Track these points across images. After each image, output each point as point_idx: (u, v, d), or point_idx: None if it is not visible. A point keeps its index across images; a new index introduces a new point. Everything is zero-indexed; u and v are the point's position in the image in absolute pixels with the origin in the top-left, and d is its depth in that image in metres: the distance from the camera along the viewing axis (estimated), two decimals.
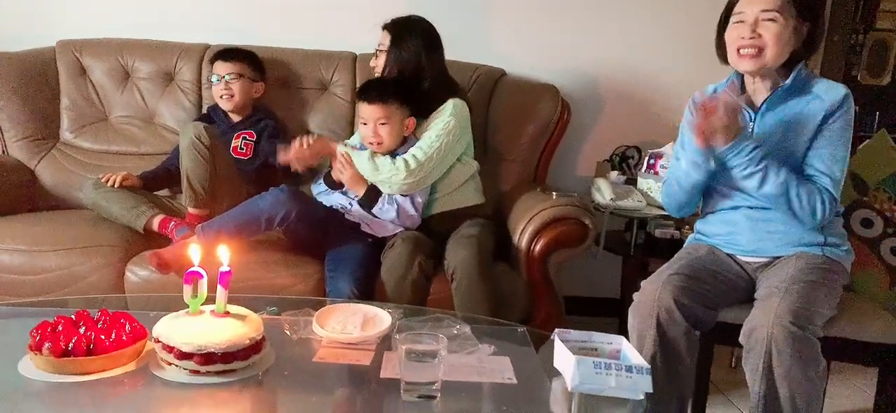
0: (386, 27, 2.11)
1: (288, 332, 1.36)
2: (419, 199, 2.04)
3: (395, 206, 2.00)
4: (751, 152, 1.48)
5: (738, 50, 1.55)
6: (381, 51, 2.11)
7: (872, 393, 1.64)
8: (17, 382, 1.12)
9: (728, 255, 1.65)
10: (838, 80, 3.67)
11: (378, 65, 2.12)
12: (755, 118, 1.59)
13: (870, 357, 1.57)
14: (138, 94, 2.42)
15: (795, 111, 1.55)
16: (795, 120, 1.55)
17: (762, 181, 1.49)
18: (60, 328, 1.17)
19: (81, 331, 1.17)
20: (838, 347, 1.54)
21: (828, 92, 1.54)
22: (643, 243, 2.36)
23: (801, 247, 1.56)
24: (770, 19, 1.51)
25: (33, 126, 2.35)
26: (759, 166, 1.48)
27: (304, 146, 2.02)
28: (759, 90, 1.60)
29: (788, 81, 1.55)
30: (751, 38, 1.52)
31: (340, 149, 2.03)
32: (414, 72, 2.07)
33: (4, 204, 2.15)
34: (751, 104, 1.61)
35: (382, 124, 1.99)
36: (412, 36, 2.09)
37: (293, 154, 2.02)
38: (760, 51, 1.52)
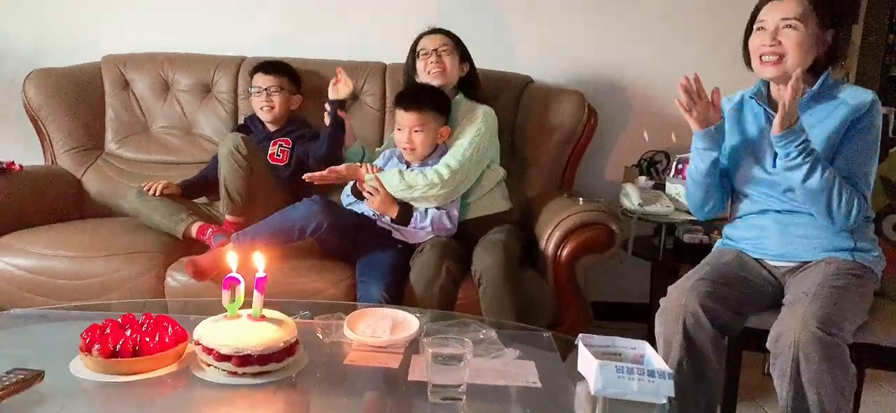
0: (442, 32, 2.18)
1: (320, 336, 1.41)
2: (455, 212, 2.07)
3: (429, 219, 2.03)
4: (801, 143, 1.47)
5: (761, 57, 1.56)
6: (444, 50, 2.15)
7: None
8: (69, 381, 1.19)
9: (756, 259, 1.65)
10: (875, 80, 3.62)
11: (445, 66, 2.14)
12: None
13: None
14: (178, 105, 2.52)
15: (822, 117, 1.55)
16: (822, 125, 1.54)
17: (809, 174, 1.48)
18: (108, 331, 1.24)
19: (127, 333, 1.24)
20: (871, 354, 1.52)
21: (854, 97, 1.53)
22: (672, 248, 2.36)
23: (831, 252, 1.55)
24: (790, 27, 1.52)
25: (80, 137, 2.46)
26: (809, 158, 1.47)
27: (334, 177, 2.06)
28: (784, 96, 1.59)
29: (815, 87, 1.55)
30: (771, 46, 1.54)
31: (368, 179, 2.03)
32: (468, 74, 2.19)
33: (53, 212, 2.26)
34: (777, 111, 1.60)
35: (416, 131, 2.04)
36: (461, 43, 2.20)
37: (320, 178, 2.05)
38: (781, 58, 1.54)
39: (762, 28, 1.56)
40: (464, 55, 2.20)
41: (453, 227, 2.07)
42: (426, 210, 2.04)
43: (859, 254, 1.55)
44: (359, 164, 2.11)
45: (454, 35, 2.20)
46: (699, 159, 1.65)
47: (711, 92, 1.58)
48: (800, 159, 1.48)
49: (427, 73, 2.16)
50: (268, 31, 2.62)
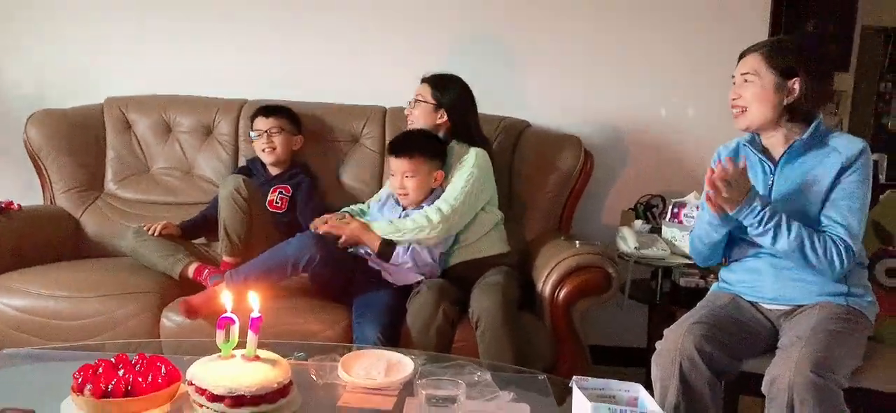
0: (426, 80, 2.20)
1: (314, 377, 1.40)
2: (438, 250, 2.08)
3: (409, 253, 2.03)
4: (759, 212, 1.51)
5: (731, 109, 1.63)
6: (419, 101, 2.18)
7: None
8: None
9: (751, 303, 1.65)
10: (867, 127, 3.67)
11: (413, 115, 2.19)
12: (775, 171, 1.62)
13: None
14: (179, 147, 2.54)
15: (813, 164, 1.58)
16: (813, 173, 1.57)
17: (775, 238, 1.51)
18: (101, 371, 1.23)
19: (120, 373, 1.23)
20: (868, 400, 1.51)
21: (845, 146, 1.56)
22: (669, 292, 2.35)
23: (825, 297, 1.56)
24: (747, 81, 1.59)
25: (80, 178, 2.48)
26: (770, 224, 1.51)
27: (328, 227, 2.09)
28: (776, 145, 1.64)
29: (806, 135, 1.58)
30: (733, 99, 1.62)
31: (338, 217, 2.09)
32: (452, 122, 2.16)
33: (50, 252, 2.26)
34: (769, 158, 1.64)
35: (408, 177, 2.07)
36: (452, 89, 2.18)
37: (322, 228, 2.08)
38: (744, 110, 1.60)
39: (733, 83, 1.64)
40: (443, 103, 2.17)
41: (435, 263, 2.07)
42: (408, 246, 2.04)
43: (853, 298, 1.56)
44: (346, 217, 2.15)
45: (440, 84, 2.18)
46: (714, 233, 1.66)
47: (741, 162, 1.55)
48: (761, 228, 1.51)
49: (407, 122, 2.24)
50: (269, 74, 2.67)
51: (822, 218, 1.56)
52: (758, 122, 1.60)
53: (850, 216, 1.53)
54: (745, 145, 1.70)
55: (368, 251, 2.08)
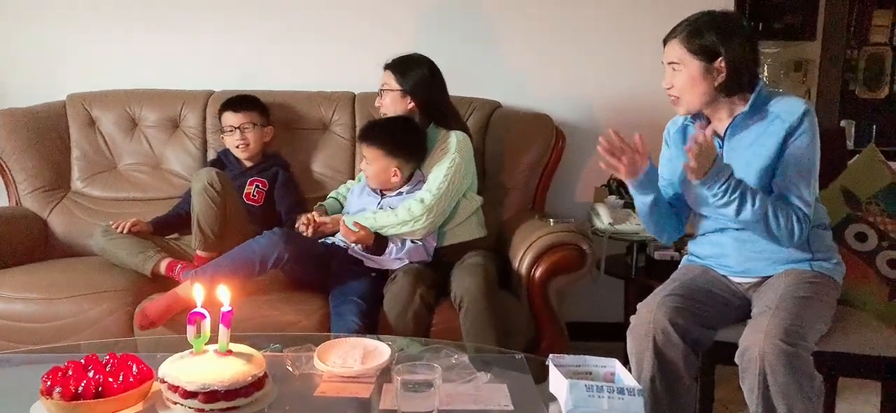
0: (388, 67, 2.16)
1: (290, 368, 1.39)
2: (432, 243, 2.08)
3: (405, 249, 2.02)
4: (725, 182, 1.49)
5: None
6: (385, 90, 2.15)
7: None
8: None
9: (722, 275, 1.67)
10: (836, 96, 3.71)
11: (383, 104, 2.17)
12: (722, 146, 1.61)
13: (870, 370, 1.57)
14: (145, 141, 2.49)
15: (758, 134, 1.57)
16: (759, 143, 1.56)
17: (739, 208, 1.51)
18: (70, 372, 1.21)
19: (90, 374, 1.21)
20: (841, 363, 1.54)
21: (787, 110, 1.54)
22: (644, 266, 2.38)
23: (789, 264, 1.57)
24: (675, 70, 1.57)
25: (45, 177, 2.42)
26: (735, 195, 1.50)
27: (311, 232, 2.06)
28: (721, 119, 1.62)
29: (746, 108, 1.57)
30: (668, 88, 1.59)
31: (346, 222, 2.02)
32: (422, 105, 2.13)
33: (18, 254, 2.21)
34: (716, 132, 1.62)
35: (367, 164, 2.07)
36: (416, 72, 2.14)
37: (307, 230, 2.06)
38: (678, 98, 1.58)
39: (664, 70, 1.61)
40: (408, 88, 2.12)
41: (429, 256, 2.07)
42: (403, 241, 2.03)
43: (817, 263, 1.57)
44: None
45: (402, 68, 2.13)
46: (639, 202, 1.67)
47: (636, 138, 1.57)
48: (726, 198, 1.50)
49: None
50: (235, 63, 2.62)
51: (774, 187, 1.55)
52: (695, 106, 1.58)
53: (801, 183, 1.52)
54: (691, 122, 1.67)
55: (344, 240, 2.06)
